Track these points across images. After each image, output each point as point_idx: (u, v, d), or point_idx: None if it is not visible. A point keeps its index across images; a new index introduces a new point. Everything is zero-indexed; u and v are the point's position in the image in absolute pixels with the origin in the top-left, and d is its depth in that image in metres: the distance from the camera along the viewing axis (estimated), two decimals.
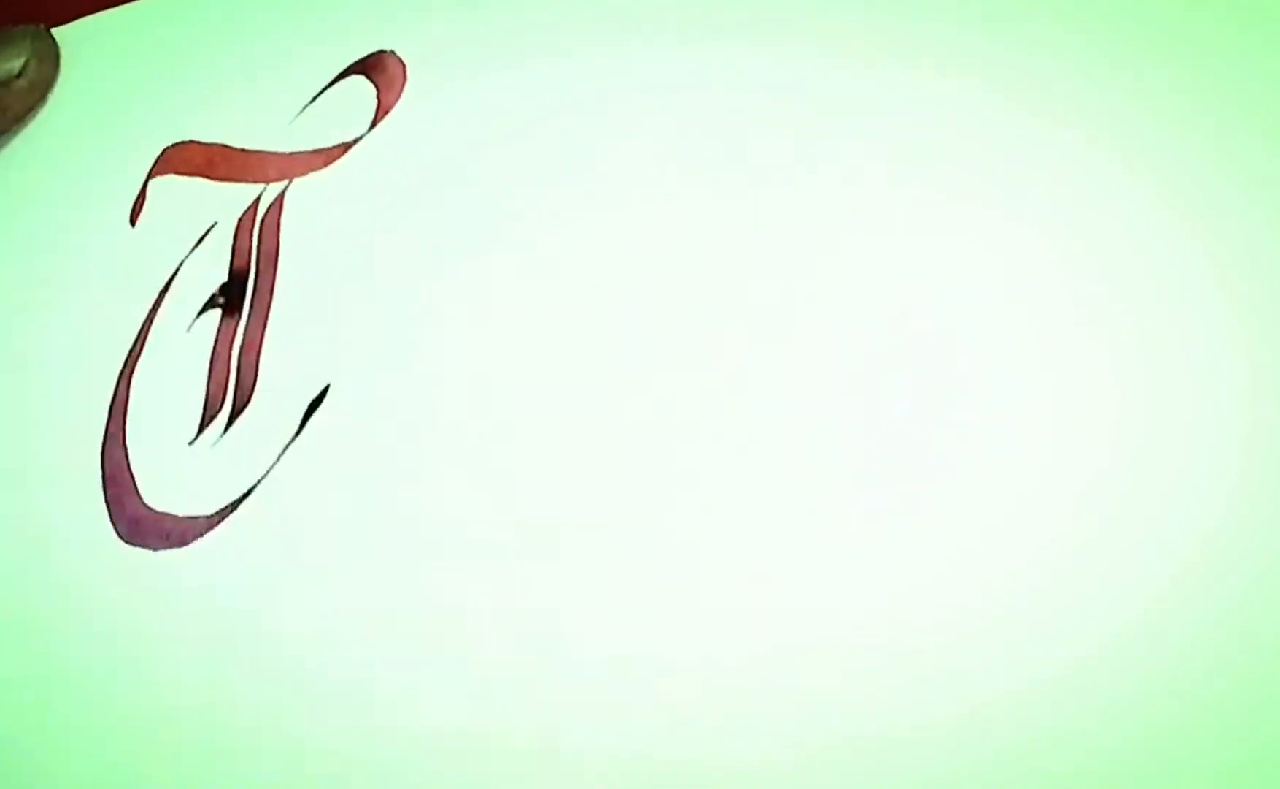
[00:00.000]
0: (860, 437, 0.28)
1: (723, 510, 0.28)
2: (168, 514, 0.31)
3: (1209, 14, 0.29)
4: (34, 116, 0.36)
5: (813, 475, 0.28)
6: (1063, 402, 0.27)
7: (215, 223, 0.34)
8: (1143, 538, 0.26)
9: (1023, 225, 0.29)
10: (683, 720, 0.26)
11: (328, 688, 0.29)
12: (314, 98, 0.34)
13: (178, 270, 0.34)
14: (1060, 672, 0.25)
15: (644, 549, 0.28)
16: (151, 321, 0.33)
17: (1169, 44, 0.29)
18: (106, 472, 0.32)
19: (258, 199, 0.34)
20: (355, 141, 0.34)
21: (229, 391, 0.32)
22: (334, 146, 0.34)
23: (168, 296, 0.34)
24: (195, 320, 0.33)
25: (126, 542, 0.31)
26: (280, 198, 0.34)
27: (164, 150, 0.35)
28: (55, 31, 0.37)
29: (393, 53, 0.34)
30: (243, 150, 0.34)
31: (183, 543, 0.31)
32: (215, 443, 0.32)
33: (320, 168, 0.34)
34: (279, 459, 0.31)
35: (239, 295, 0.33)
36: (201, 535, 0.31)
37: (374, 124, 0.34)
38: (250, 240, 0.33)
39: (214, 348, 0.33)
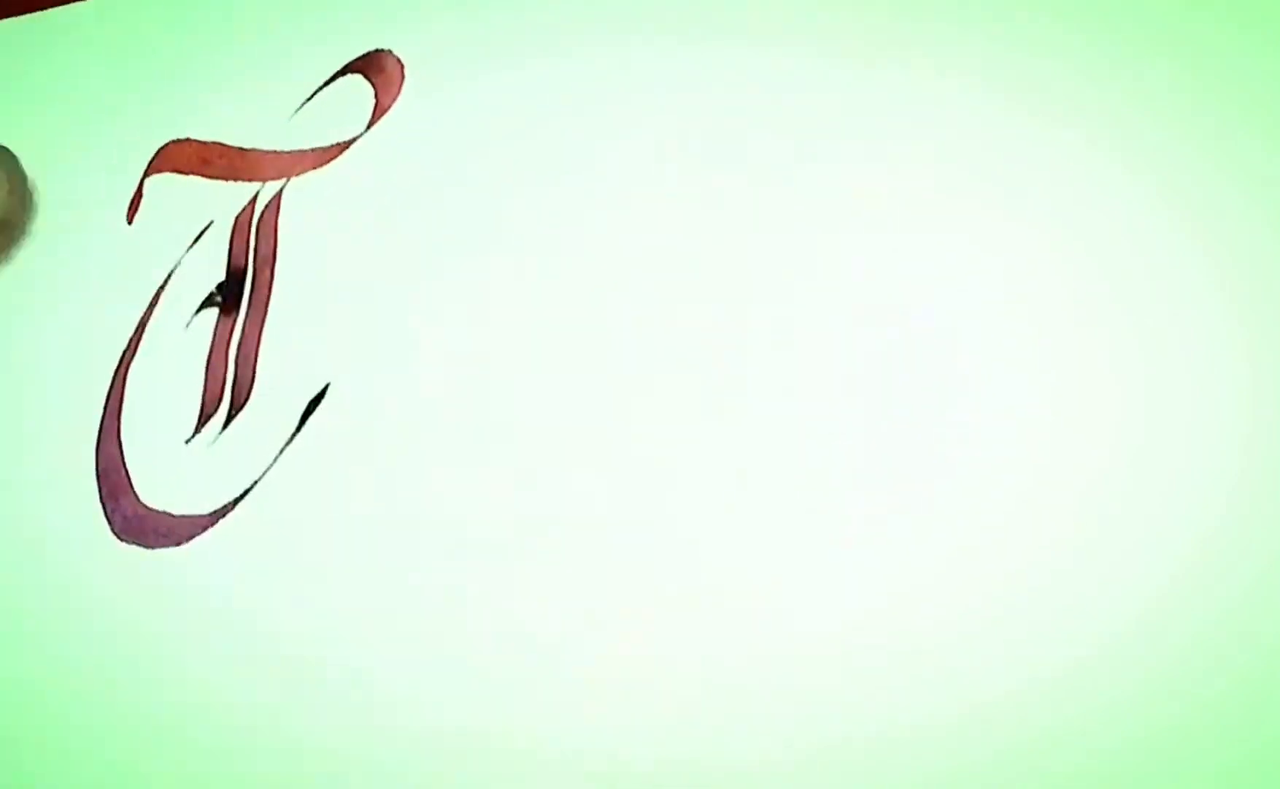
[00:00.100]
0: (860, 436, 0.28)
1: (722, 510, 0.28)
2: (164, 512, 0.31)
3: (1209, 14, 0.29)
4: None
5: (812, 475, 0.28)
6: (1063, 401, 0.27)
7: (212, 221, 0.34)
8: (1143, 538, 0.26)
9: (1023, 225, 0.29)
10: (682, 720, 0.26)
11: (325, 687, 0.28)
12: (311, 96, 0.34)
13: (175, 268, 0.34)
14: (1060, 672, 0.25)
15: (643, 549, 0.28)
16: (148, 319, 0.33)
17: (1169, 44, 0.29)
18: (101, 469, 0.32)
19: (255, 197, 0.34)
20: (353, 141, 0.34)
21: (226, 390, 0.32)
22: (331, 146, 0.34)
23: (164, 295, 0.34)
24: (192, 318, 0.33)
25: (121, 539, 0.31)
26: (278, 197, 0.34)
27: (161, 147, 0.35)
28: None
29: (391, 52, 0.34)
30: (240, 148, 0.34)
31: (179, 541, 0.31)
32: (213, 442, 0.32)
33: (318, 167, 0.34)
34: (277, 458, 0.31)
35: (236, 294, 0.33)
36: (198, 534, 0.31)
37: (372, 123, 0.34)
38: (248, 239, 0.33)
39: (211, 346, 0.33)
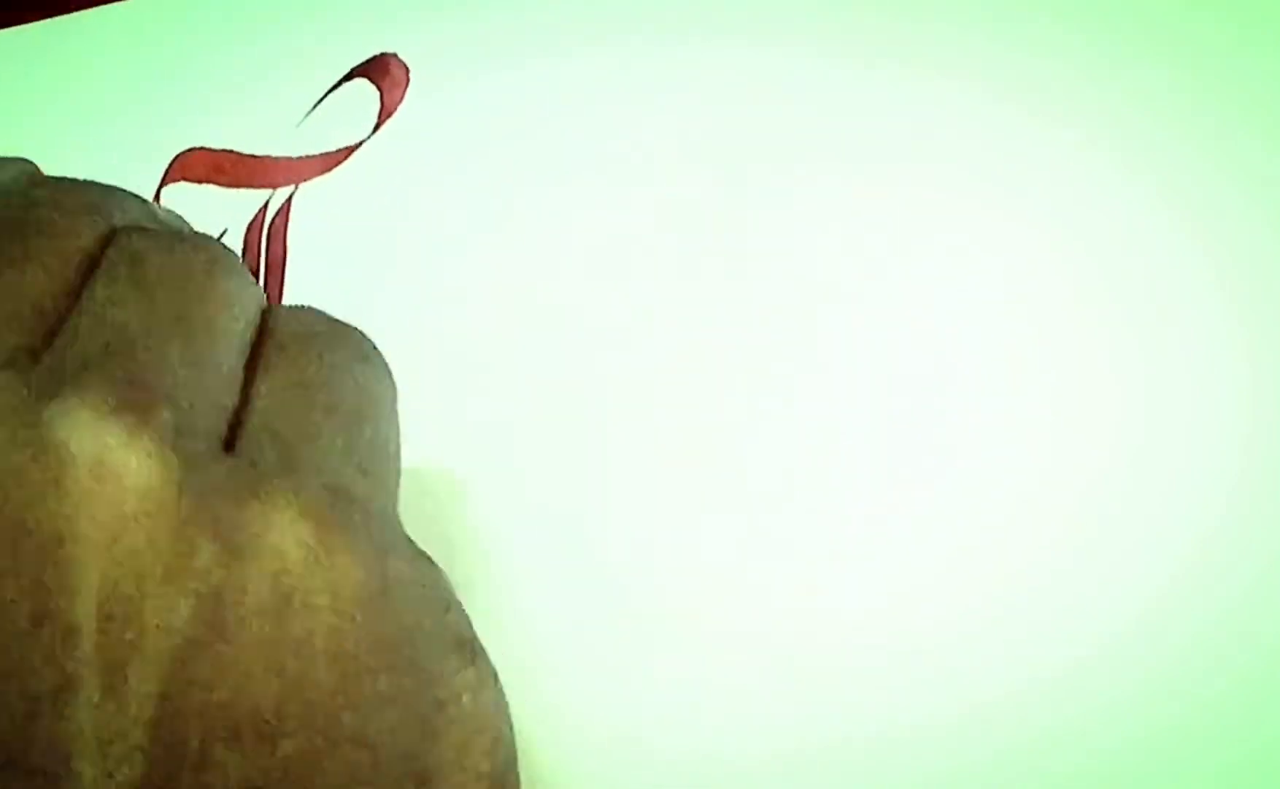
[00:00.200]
0: (859, 436, 0.28)
1: (721, 510, 0.28)
2: None
3: (1209, 14, 0.29)
4: None
5: (812, 475, 0.28)
6: (1063, 401, 0.27)
7: (225, 229, 0.34)
8: (1143, 538, 0.26)
9: (1023, 225, 0.29)
10: (681, 721, 0.26)
11: None
12: (318, 101, 0.35)
13: None
14: (1060, 672, 0.25)
15: (642, 549, 0.28)
16: None
17: (1169, 44, 0.29)
18: None
19: (265, 204, 0.34)
20: (359, 144, 0.34)
21: None
22: (338, 150, 0.34)
23: None
24: None
25: None
26: (287, 202, 0.34)
27: (175, 157, 0.35)
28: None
29: (395, 55, 0.34)
30: (251, 155, 0.35)
31: None
32: None
33: (326, 171, 0.34)
34: None
35: None
36: None
37: (377, 126, 0.34)
38: (258, 246, 0.34)
39: None
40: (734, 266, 0.30)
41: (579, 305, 0.31)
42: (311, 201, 0.34)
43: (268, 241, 0.33)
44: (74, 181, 0.22)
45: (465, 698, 0.19)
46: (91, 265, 0.20)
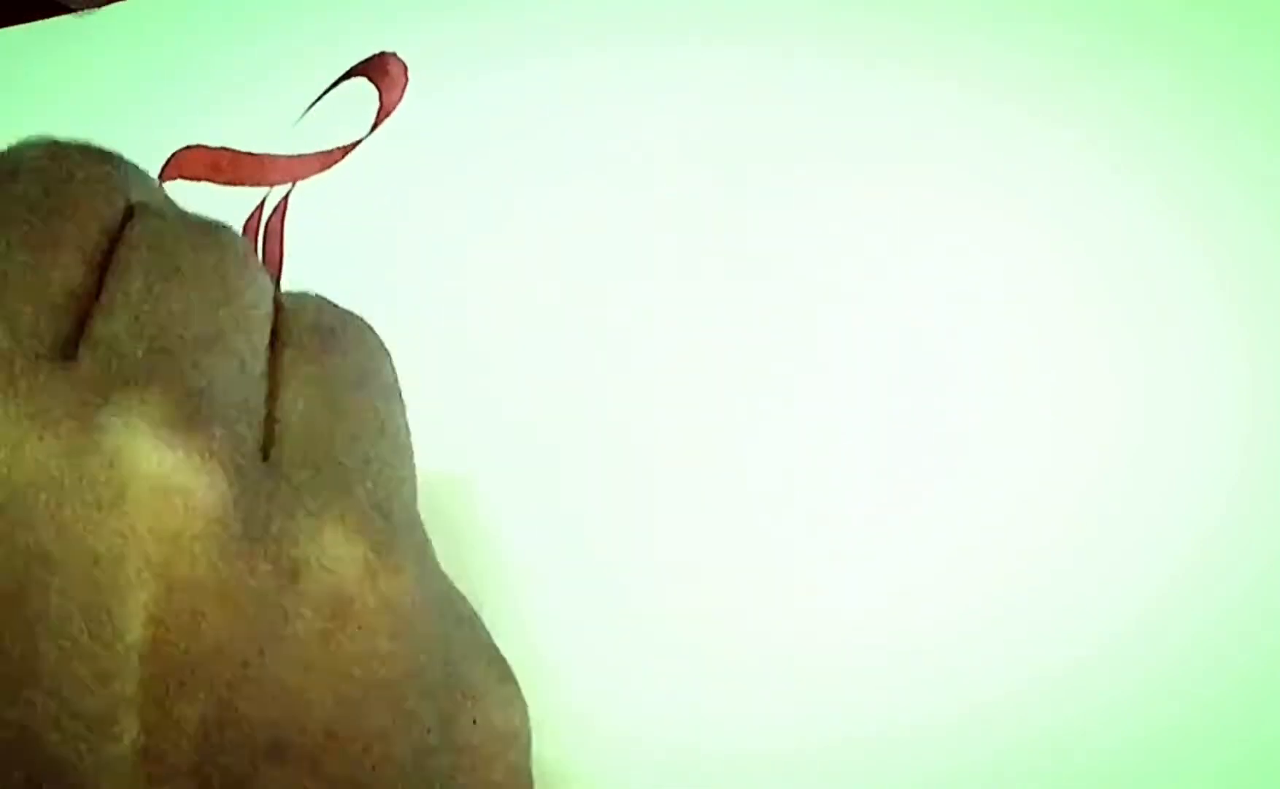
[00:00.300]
0: (859, 436, 0.28)
1: (720, 509, 0.28)
2: None
3: (1209, 14, 0.29)
4: None
5: (811, 475, 0.28)
6: (1063, 401, 0.27)
7: None
8: (1143, 538, 0.26)
9: (1023, 225, 0.29)
10: (680, 721, 0.26)
11: None
12: (316, 100, 0.35)
13: None
14: (1060, 672, 0.25)
15: (642, 548, 0.28)
16: None
17: (1169, 44, 0.29)
18: None
19: (262, 202, 0.34)
20: (357, 143, 0.34)
21: None
22: (336, 149, 0.34)
23: None
24: None
25: None
26: (284, 201, 0.34)
27: (171, 155, 0.35)
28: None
29: (394, 54, 0.34)
30: (248, 154, 0.35)
31: None
32: None
33: (323, 169, 0.34)
34: None
35: None
36: None
37: (375, 125, 0.34)
38: (255, 245, 0.33)
39: None
40: (734, 266, 0.30)
41: (578, 305, 0.31)
42: (308, 200, 0.34)
43: (264, 240, 0.33)
44: (87, 150, 0.21)
45: (497, 715, 0.20)
46: (113, 244, 0.20)
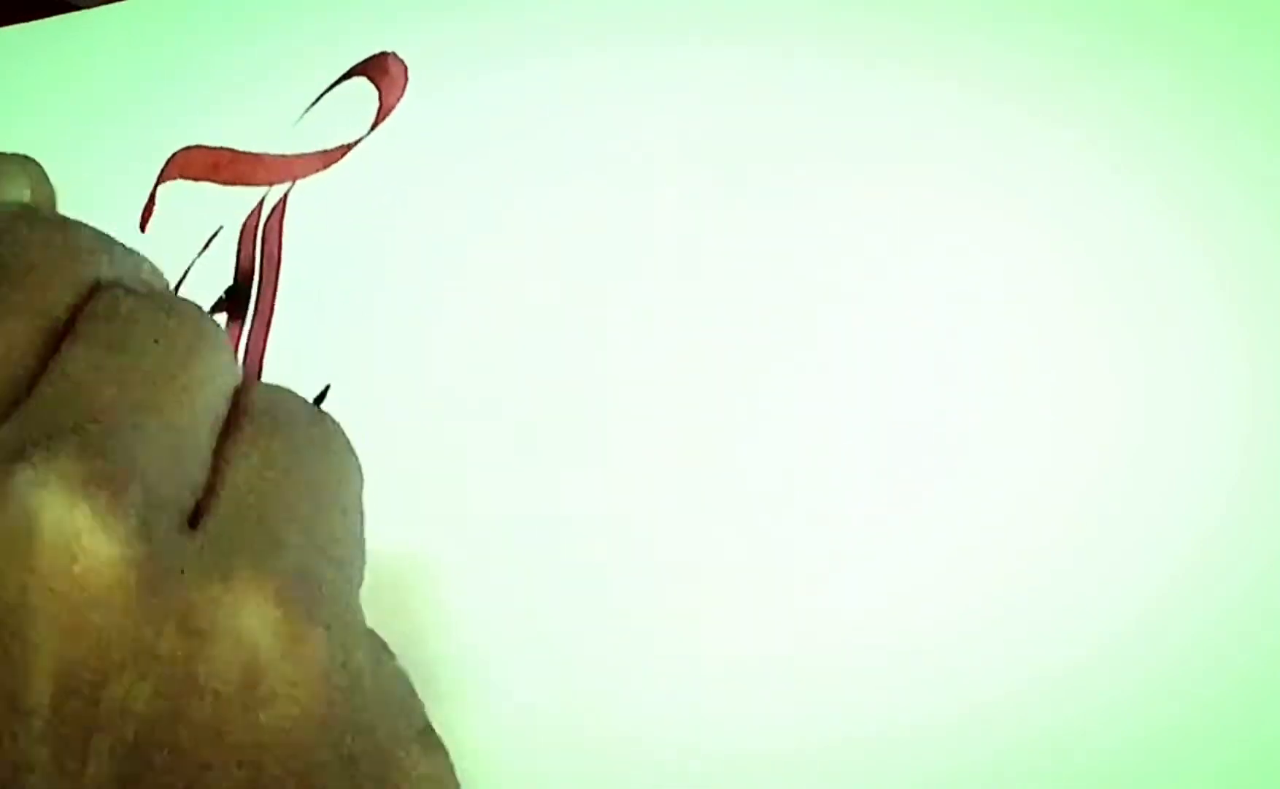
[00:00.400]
0: (859, 436, 0.28)
1: (720, 509, 0.28)
2: None
3: (1209, 14, 0.29)
4: None
5: (812, 475, 0.28)
6: (1063, 401, 0.27)
7: (221, 226, 0.34)
8: (1143, 538, 0.26)
9: (1023, 225, 0.29)
10: (679, 721, 0.26)
11: None
12: (316, 99, 0.35)
13: (185, 275, 0.34)
14: (1060, 672, 0.25)
15: (640, 548, 0.28)
16: None
17: (1169, 44, 0.29)
18: None
19: (261, 201, 0.34)
20: (356, 143, 0.34)
21: None
22: (336, 148, 0.34)
23: None
24: None
25: None
26: (283, 200, 0.34)
27: (172, 154, 0.35)
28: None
29: (394, 54, 0.34)
30: (248, 153, 0.35)
31: None
32: None
33: (323, 169, 0.34)
34: None
35: (243, 299, 0.33)
36: None
37: (375, 125, 0.34)
38: (254, 244, 0.33)
39: None
40: (734, 267, 0.30)
41: (578, 304, 0.31)
42: (308, 199, 0.34)
43: (263, 239, 0.33)
44: (64, 223, 0.21)
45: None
46: (72, 319, 0.19)
